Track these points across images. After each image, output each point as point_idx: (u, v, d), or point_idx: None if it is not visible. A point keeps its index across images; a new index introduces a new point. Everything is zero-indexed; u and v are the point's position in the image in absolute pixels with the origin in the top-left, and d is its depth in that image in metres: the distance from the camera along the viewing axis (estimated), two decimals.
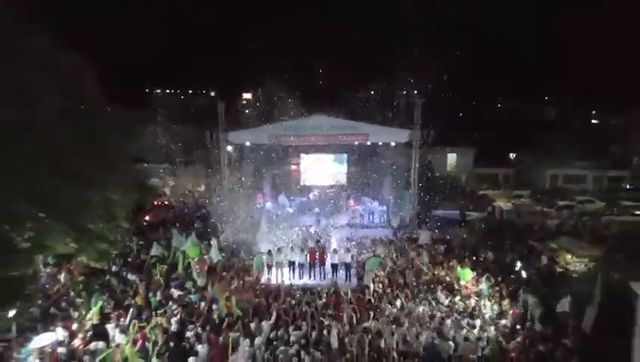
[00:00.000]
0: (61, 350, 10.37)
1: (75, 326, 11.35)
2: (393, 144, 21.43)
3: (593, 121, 66.34)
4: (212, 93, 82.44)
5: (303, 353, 10.13)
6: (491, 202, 26.56)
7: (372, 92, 28.99)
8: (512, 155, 34.18)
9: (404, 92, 34.01)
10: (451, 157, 31.90)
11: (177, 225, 20.50)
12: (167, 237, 18.06)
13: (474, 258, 16.76)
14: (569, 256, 16.64)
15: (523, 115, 48.34)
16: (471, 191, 30.61)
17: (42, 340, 10.37)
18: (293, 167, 26.58)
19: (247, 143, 21.37)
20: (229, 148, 21.81)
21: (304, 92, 25.35)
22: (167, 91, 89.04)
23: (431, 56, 44.31)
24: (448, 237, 19.48)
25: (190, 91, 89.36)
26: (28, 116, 8.03)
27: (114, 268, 15.47)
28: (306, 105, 22.33)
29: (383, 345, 10.78)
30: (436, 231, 20.50)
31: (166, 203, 25.48)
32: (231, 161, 22.15)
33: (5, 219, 8.56)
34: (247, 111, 29.37)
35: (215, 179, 20.80)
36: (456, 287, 13.97)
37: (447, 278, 14.71)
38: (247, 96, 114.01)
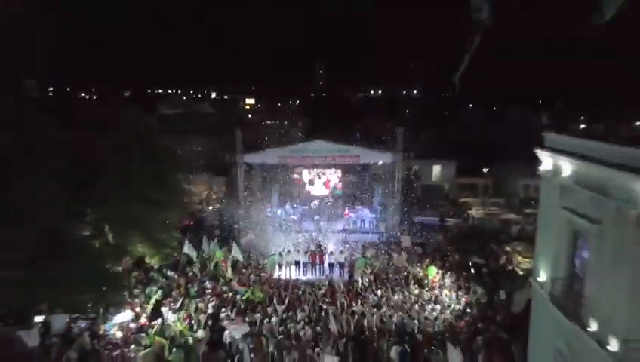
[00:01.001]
0: (133, 325, 14.34)
1: (137, 309, 15.31)
2: (380, 162, 25.50)
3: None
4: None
5: (307, 327, 14.13)
6: (468, 210, 30.58)
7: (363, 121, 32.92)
8: (486, 169, 37.92)
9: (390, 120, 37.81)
10: (436, 169, 35.94)
11: (199, 229, 24.42)
12: (191, 240, 21.91)
13: (444, 258, 20.79)
14: (520, 258, 20.76)
15: (502, 129, 52.44)
16: (453, 199, 34.64)
17: (119, 318, 14.36)
18: (296, 176, 30.51)
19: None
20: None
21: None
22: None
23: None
24: (425, 240, 23.51)
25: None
26: (123, 166, 12.01)
27: (156, 266, 19.41)
28: (308, 131, 26.31)
29: (365, 323, 14.73)
30: (418, 234, 24.55)
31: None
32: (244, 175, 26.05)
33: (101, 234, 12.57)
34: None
35: (232, 191, 24.74)
36: (425, 281, 18.00)
37: (420, 274, 18.74)
38: (250, 101, 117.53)
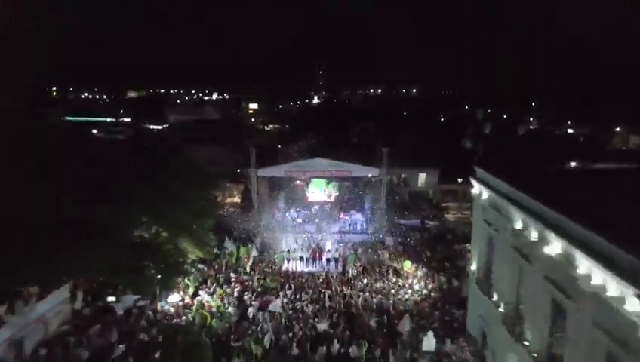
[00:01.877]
0: (180, 303, 19.35)
1: (181, 293, 20.32)
2: (370, 175, 30.54)
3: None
4: None
5: (309, 305, 19.14)
6: (446, 213, 35.52)
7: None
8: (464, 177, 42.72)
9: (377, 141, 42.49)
10: (421, 176, 40.86)
11: (218, 230, 29.31)
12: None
13: (419, 254, 25.79)
14: None
15: (481, 138, 57.41)
16: (436, 203, 39.58)
17: (170, 298, 19.36)
18: (298, 182, 35.45)
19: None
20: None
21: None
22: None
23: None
24: (406, 240, 28.52)
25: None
26: (179, 189, 17.00)
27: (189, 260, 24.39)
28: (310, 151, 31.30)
29: (353, 302, 19.73)
30: (400, 234, 29.55)
31: None
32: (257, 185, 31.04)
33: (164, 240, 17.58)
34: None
35: (246, 197, 29.71)
36: (401, 272, 23.01)
37: (397, 267, 23.75)
38: (253, 105, 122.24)
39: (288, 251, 24.95)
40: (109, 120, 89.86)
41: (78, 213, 13.96)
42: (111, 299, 18.51)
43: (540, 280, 11.03)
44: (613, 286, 7.99)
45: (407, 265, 23.21)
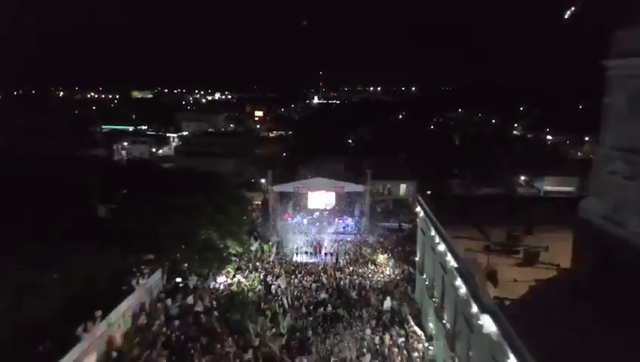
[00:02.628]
0: (225, 283, 28.79)
1: (224, 275, 29.77)
2: (360, 189, 40.00)
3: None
4: None
5: (312, 284, 28.62)
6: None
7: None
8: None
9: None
10: (402, 187, 50.11)
11: None
12: None
13: (392, 250, 35.16)
14: None
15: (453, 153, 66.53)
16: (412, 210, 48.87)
17: (218, 279, 28.82)
18: (303, 190, 44.65)
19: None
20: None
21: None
22: None
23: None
24: (384, 239, 37.92)
25: None
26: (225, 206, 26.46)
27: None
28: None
29: (342, 282, 29.18)
30: (381, 234, 38.91)
31: None
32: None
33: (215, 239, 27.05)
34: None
35: (264, 205, 39.18)
36: (377, 262, 32.45)
37: (375, 259, 33.17)
38: (259, 113, 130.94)
39: (297, 247, 34.48)
40: (130, 128, 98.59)
41: (172, 225, 23.48)
42: (178, 279, 28.10)
43: (438, 265, 20.42)
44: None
45: (381, 258, 32.70)
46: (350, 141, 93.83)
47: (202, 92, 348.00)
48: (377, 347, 21.59)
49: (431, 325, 22.03)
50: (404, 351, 21.16)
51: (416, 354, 21.09)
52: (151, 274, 25.12)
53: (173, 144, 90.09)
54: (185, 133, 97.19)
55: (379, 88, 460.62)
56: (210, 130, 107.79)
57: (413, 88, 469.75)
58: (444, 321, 19.12)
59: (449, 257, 17.75)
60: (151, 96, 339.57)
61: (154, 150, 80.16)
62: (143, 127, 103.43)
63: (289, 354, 20.81)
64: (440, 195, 33.89)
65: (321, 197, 41.32)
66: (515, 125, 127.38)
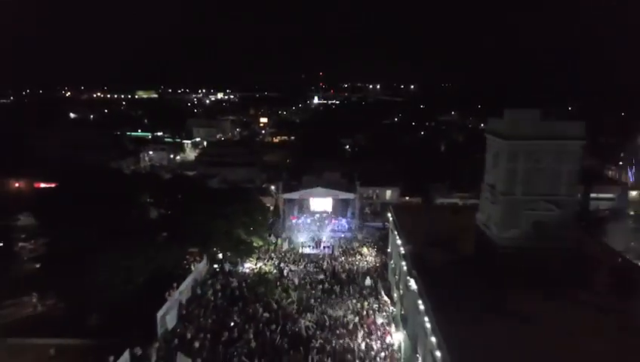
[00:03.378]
0: (250, 268, 39.13)
1: (250, 263, 40.11)
2: (351, 197, 50.37)
3: None
4: None
5: (314, 268, 39.01)
6: None
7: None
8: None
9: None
10: (388, 192, 60.44)
11: None
12: None
13: (374, 244, 45.46)
14: None
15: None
16: None
17: (245, 266, 39.16)
18: (307, 197, 54.94)
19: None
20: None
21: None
22: None
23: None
24: (370, 236, 48.23)
25: None
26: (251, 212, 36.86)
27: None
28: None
29: (336, 268, 39.54)
30: (367, 232, 49.24)
31: None
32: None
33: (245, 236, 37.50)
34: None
35: (277, 209, 49.61)
36: (363, 253, 42.83)
37: (361, 250, 43.53)
38: (263, 120, 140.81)
39: (302, 242, 44.85)
40: (149, 136, 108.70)
41: (218, 227, 33.91)
42: (215, 265, 38.48)
43: (397, 253, 30.71)
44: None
45: (366, 250, 43.13)
46: (347, 146, 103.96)
47: (204, 90, 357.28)
48: (358, 310, 31.90)
49: (395, 295, 32.38)
50: (377, 313, 31.50)
51: (385, 313, 31.41)
52: (200, 260, 35.64)
53: (188, 150, 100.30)
54: (198, 140, 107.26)
55: (378, 86, 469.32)
56: (220, 135, 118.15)
57: (412, 86, 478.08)
58: (400, 290, 29.47)
59: (401, 248, 28.10)
60: (156, 96, 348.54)
61: (172, 156, 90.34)
62: (159, 134, 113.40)
63: (298, 313, 31.14)
64: (401, 205, 44.54)
65: (320, 203, 51.69)
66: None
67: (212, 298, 32.74)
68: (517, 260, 21.19)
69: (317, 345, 26.76)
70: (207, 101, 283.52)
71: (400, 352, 26.41)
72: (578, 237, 23.98)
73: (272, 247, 43.11)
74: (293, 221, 50.29)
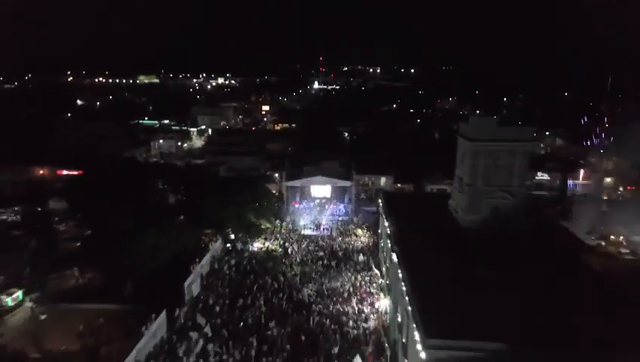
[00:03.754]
0: (259, 247, 44.66)
1: (259, 242, 45.62)
2: (347, 184, 55.67)
3: None
4: None
5: (315, 247, 44.55)
6: None
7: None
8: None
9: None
10: (383, 179, 65.63)
11: None
12: None
13: (368, 227, 50.91)
14: None
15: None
16: None
17: (255, 244, 44.68)
18: (308, 185, 60.19)
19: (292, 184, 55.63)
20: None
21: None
22: None
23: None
24: (365, 219, 53.65)
25: None
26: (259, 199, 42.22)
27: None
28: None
29: (333, 247, 45.04)
30: (362, 216, 54.63)
31: None
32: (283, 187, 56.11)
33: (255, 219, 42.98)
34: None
35: (281, 195, 54.98)
36: (358, 234, 48.33)
37: (356, 232, 49.02)
38: (265, 108, 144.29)
39: (304, 224, 50.26)
40: (157, 124, 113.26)
41: (230, 213, 39.30)
42: (228, 245, 43.99)
43: (385, 233, 36.05)
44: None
45: (360, 232, 48.58)
46: (346, 134, 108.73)
47: (204, 75, 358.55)
48: (352, 282, 37.41)
49: (383, 268, 37.91)
50: (368, 284, 37.01)
51: (375, 284, 36.91)
52: (216, 241, 41.10)
53: (194, 138, 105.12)
54: (203, 127, 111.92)
55: (378, 70, 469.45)
56: (224, 123, 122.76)
57: (413, 70, 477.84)
58: (386, 264, 34.96)
59: (387, 229, 33.49)
60: (157, 80, 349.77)
61: (179, 144, 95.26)
62: (165, 121, 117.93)
63: (301, 284, 36.69)
64: (391, 192, 49.92)
65: (320, 190, 57.00)
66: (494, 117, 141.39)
67: (227, 272, 38.34)
68: (478, 239, 26.53)
69: (317, 309, 32.40)
70: (209, 87, 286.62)
71: (386, 314, 31.99)
72: (535, 220, 29.33)
73: (277, 229, 48.54)
74: (296, 206, 55.63)
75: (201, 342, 27.81)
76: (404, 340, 23.60)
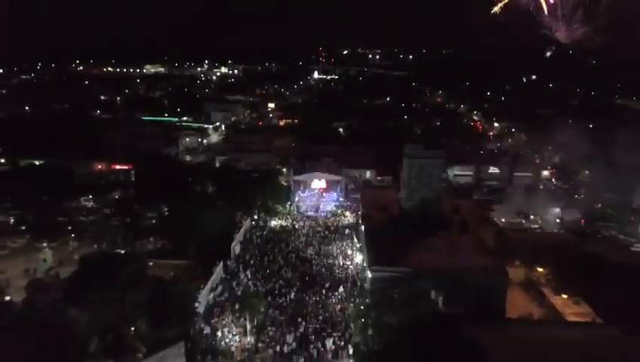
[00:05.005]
0: (275, 224, 62.79)
1: (275, 221, 63.76)
2: (338, 178, 73.64)
3: None
4: None
5: (314, 223, 62.81)
6: None
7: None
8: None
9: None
10: (368, 172, 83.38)
11: None
12: None
13: (355, 210, 68.99)
14: None
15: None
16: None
17: (272, 222, 62.80)
18: (307, 178, 77.95)
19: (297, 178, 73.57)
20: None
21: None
22: None
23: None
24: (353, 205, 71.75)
25: None
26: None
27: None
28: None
29: (327, 224, 63.20)
30: (350, 202, 72.67)
31: None
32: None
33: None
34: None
35: (288, 186, 73.09)
36: (345, 215, 66.53)
37: (346, 213, 67.21)
38: (271, 105, 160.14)
39: (306, 208, 68.47)
40: (174, 120, 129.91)
41: (254, 199, 57.47)
42: (253, 222, 62.23)
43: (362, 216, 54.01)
44: None
45: (347, 213, 66.80)
46: (341, 130, 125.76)
47: (207, 62, 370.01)
48: (339, 246, 55.56)
49: (361, 237, 56.07)
50: (350, 248, 55.13)
51: (355, 248, 54.94)
52: (246, 219, 59.33)
53: (210, 134, 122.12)
54: (217, 124, 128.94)
55: (377, 57, 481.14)
56: (234, 118, 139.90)
57: (411, 56, 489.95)
58: (361, 235, 53.20)
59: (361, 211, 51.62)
60: (162, 69, 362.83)
61: (199, 140, 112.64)
62: (184, 118, 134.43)
63: (305, 247, 54.92)
64: (370, 185, 68.11)
65: (317, 183, 75.07)
66: (475, 112, 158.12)
67: (256, 240, 56.60)
68: (411, 216, 44.63)
69: (315, 263, 50.70)
70: (214, 77, 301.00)
71: (360, 265, 50.29)
72: (450, 204, 47.33)
73: (287, 211, 66.68)
74: (300, 194, 73.73)
75: (245, 280, 46.14)
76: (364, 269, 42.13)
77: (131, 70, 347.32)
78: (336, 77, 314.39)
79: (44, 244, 50.16)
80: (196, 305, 37.62)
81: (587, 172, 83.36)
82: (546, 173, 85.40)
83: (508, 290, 36.91)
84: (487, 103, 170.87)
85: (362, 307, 36.86)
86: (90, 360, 30.72)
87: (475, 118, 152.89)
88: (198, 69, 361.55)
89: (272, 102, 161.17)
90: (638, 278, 36.64)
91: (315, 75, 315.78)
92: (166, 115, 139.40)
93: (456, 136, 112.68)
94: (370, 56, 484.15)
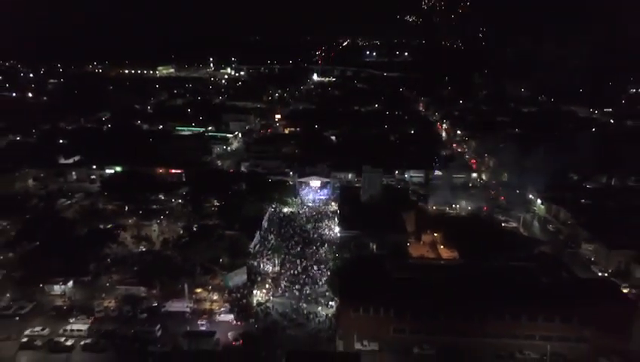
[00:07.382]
0: (287, 211, 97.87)
1: (285, 209, 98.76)
2: (327, 179, 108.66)
3: None
4: None
5: (312, 211, 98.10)
6: None
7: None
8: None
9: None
10: (350, 175, 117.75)
11: None
12: None
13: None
14: None
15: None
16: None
17: (284, 209, 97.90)
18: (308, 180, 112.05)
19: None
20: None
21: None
22: None
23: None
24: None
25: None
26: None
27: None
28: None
29: (320, 210, 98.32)
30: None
31: None
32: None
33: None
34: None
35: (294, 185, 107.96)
36: (333, 205, 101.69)
37: (333, 204, 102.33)
38: (277, 116, 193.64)
39: (306, 199, 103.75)
40: (202, 130, 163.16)
41: (273, 195, 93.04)
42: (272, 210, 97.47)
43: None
44: None
45: (334, 203, 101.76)
46: (334, 138, 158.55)
47: (212, 59, 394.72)
48: (328, 224, 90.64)
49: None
50: (335, 223, 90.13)
51: (334, 223, 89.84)
52: (268, 207, 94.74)
53: (232, 143, 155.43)
54: (236, 133, 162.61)
55: (374, 53, 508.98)
56: (248, 127, 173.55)
57: (406, 53, 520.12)
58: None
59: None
60: (173, 71, 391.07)
61: (224, 147, 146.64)
62: (209, 128, 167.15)
63: (306, 223, 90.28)
64: (344, 187, 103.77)
65: (314, 183, 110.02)
66: (444, 120, 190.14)
67: (276, 221, 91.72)
68: (364, 203, 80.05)
69: (312, 233, 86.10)
70: (223, 80, 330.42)
71: (335, 232, 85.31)
72: (394, 198, 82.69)
73: (294, 202, 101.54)
74: (302, 190, 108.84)
75: (272, 241, 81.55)
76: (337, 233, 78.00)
77: (144, 72, 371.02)
78: (334, 79, 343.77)
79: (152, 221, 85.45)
80: (249, 249, 73.16)
81: (506, 174, 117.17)
82: (474, 175, 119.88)
83: (409, 244, 72.48)
84: (457, 111, 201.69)
85: (335, 252, 72.45)
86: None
87: (444, 125, 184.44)
88: (207, 70, 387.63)
89: (278, 113, 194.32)
90: (486, 237, 71.66)
91: (315, 77, 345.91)
92: (193, 124, 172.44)
93: (422, 143, 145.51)
94: (368, 52, 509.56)
